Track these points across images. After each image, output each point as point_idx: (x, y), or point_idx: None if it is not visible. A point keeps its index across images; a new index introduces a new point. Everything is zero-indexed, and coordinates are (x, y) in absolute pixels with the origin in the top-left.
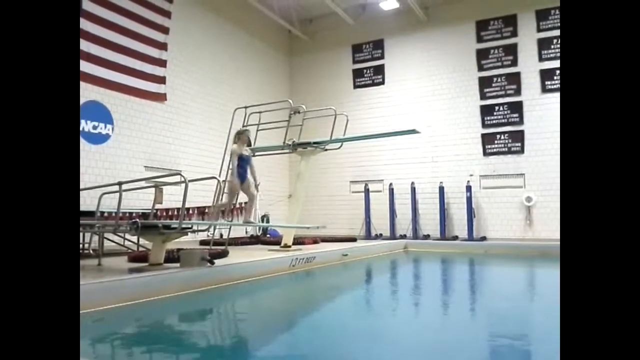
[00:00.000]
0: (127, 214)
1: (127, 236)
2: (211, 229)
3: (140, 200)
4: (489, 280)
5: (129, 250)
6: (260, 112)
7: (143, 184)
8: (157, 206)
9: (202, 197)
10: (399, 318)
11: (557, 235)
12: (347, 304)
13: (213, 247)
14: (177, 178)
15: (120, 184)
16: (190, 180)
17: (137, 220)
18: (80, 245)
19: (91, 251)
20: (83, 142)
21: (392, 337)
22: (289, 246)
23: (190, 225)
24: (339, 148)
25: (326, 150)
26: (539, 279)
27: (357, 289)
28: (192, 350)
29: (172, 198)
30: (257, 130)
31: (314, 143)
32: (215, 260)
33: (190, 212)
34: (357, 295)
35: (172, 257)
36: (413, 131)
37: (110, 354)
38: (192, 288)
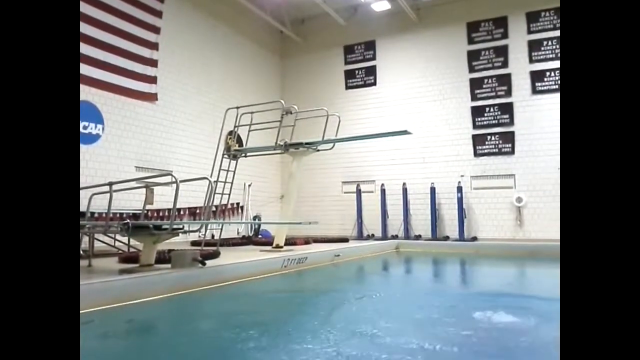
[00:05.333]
0: (118, 215)
1: (118, 237)
2: (203, 230)
3: (131, 201)
4: (476, 278)
5: (120, 251)
6: (252, 113)
7: (134, 184)
8: (148, 207)
9: (194, 197)
10: (387, 319)
11: (547, 236)
12: (336, 306)
13: (204, 248)
14: (168, 178)
15: (110, 184)
16: (181, 181)
17: (128, 221)
18: None
19: (81, 252)
20: None
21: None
22: (281, 247)
23: (181, 226)
24: (331, 149)
25: (318, 150)
26: (523, 277)
27: (348, 291)
28: (180, 351)
29: (163, 199)
30: (249, 131)
31: (306, 144)
32: (207, 261)
33: (182, 212)
34: (347, 297)
35: (164, 257)
36: (405, 132)
37: (100, 355)
38: (184, 289)
